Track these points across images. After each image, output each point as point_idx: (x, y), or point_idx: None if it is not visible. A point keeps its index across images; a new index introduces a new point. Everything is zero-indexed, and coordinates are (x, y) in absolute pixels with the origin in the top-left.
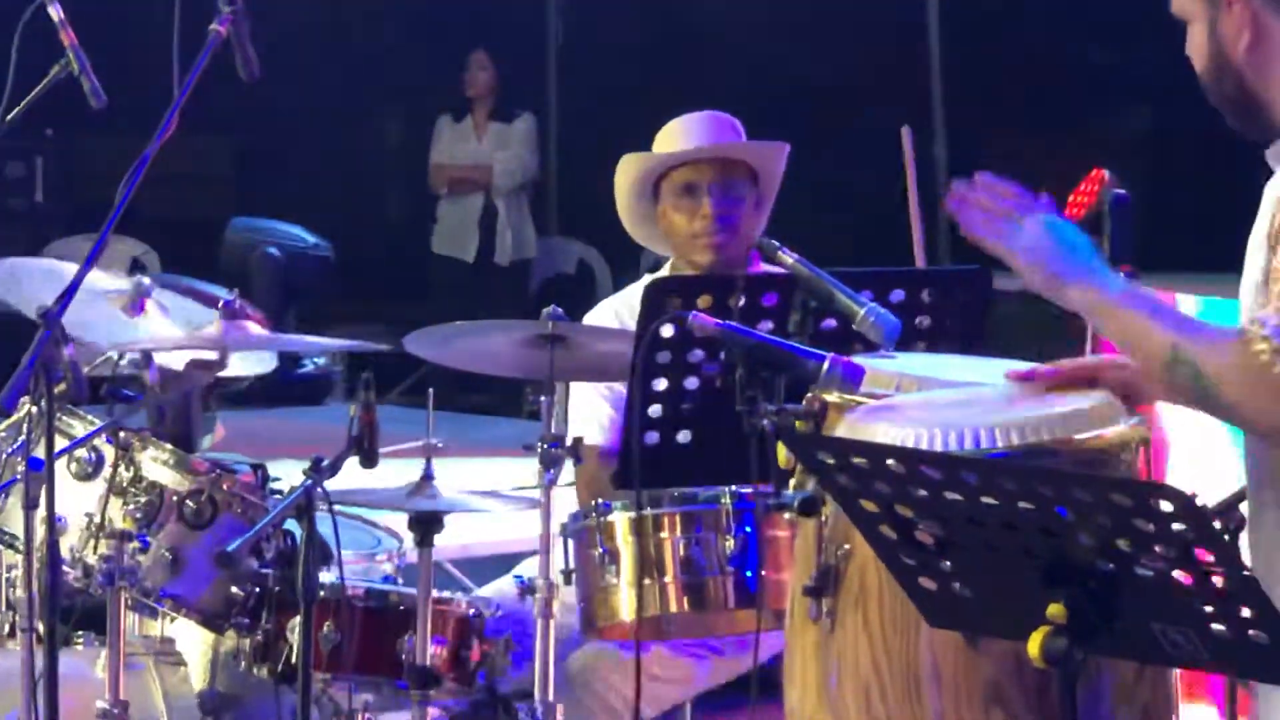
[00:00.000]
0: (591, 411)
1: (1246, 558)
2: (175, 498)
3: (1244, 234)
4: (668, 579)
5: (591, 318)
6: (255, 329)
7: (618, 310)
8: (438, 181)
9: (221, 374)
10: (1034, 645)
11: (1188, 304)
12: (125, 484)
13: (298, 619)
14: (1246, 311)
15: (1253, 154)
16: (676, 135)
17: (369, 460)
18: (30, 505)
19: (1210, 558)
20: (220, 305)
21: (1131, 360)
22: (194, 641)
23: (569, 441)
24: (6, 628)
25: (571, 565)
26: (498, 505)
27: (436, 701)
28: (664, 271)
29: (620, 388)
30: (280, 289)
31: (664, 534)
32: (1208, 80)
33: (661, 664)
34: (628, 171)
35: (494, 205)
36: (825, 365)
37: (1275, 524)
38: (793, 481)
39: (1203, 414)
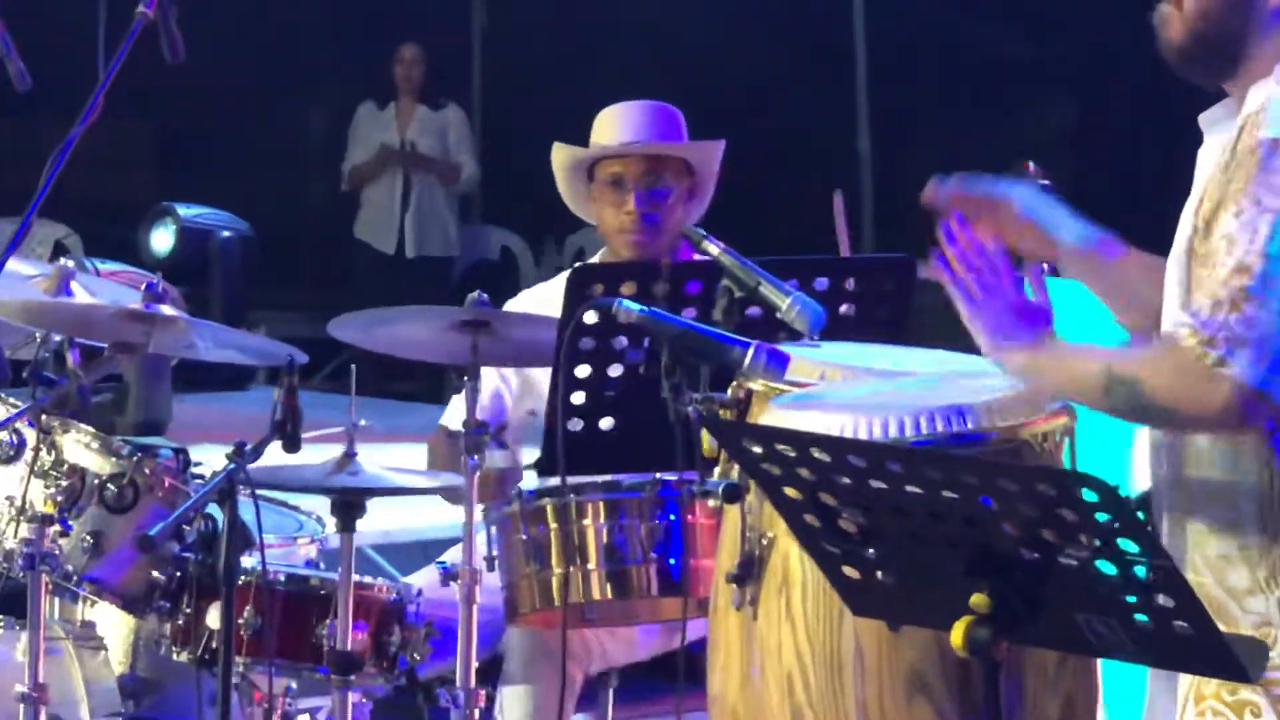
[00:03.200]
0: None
1: None
2: (97, 481)
3: (1168, 226)
4: (591, 566)
5: (510, 309)
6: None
7: (537, 300)
8: (358, 178)
9: None
10: (957, 635)
11: None
12: (46, 467)
13: (219, 603)
14: (1169, 283)
15: (1177, 147)
16: (610, 124)
17: (292, 445)
18: None
19: (1134, 548)
20: (143, 287)
21: (1078, 399)
22: (114, 625)
23: (492, 428)
24: None
25: (494, 552)
26: (420, 481)
27: (357, 687)
28: (595, 260)
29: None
30: (240, 274)
31: (587, 521)
32: (1207, 9)
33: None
34: (559, 158)
35: (414, 190)
36: (750, 353)
37: (1174, 508)
38: (717, 469)
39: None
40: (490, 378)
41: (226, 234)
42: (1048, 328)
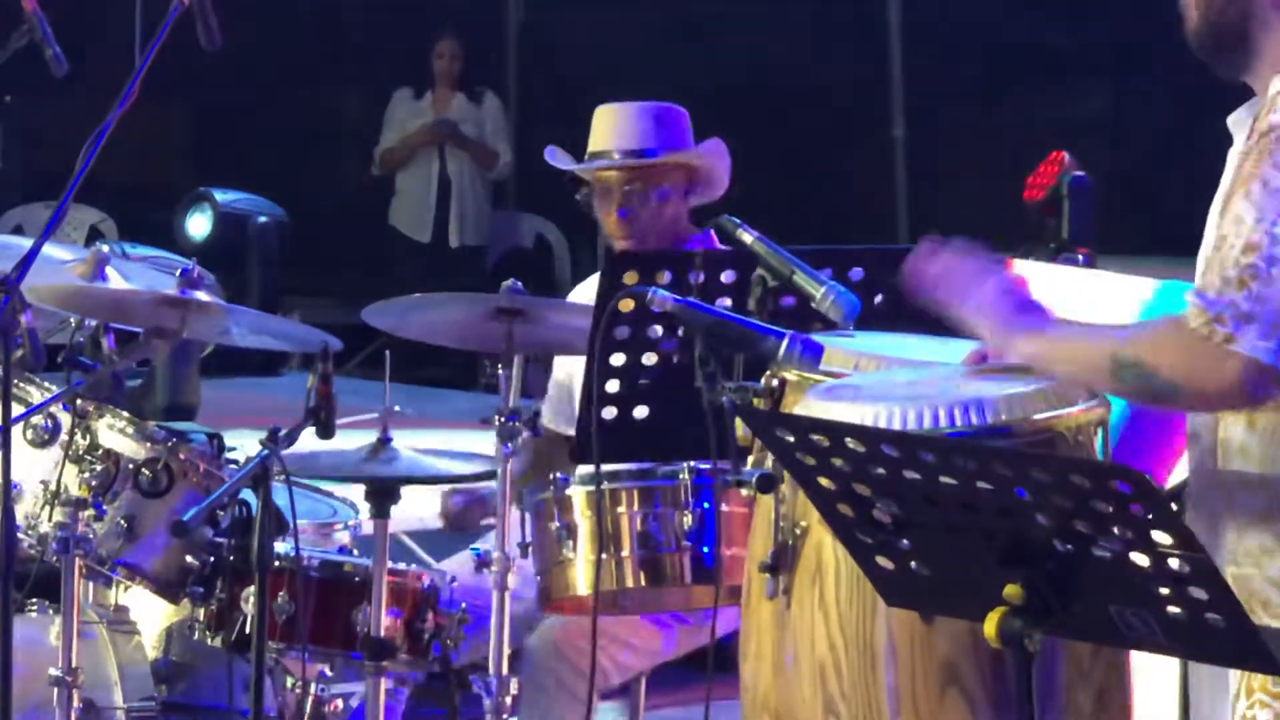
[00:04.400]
0: (560, 406)
1: None
2: (131, 466)
3: (1200, 216)
4: (625, 554)
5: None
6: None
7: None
8: (389, 161)
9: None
10: (990, 625)
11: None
12: (81, 451)
13: (252, 589)
14: (1199, 277)
15: (1209, 137)
16: (600, 128)
17: (326, 431)
18: None
19: (1167, 540)
20: (178, 273)
21: (1086, 383)
22: (148, 610)
23: (526, 415)
24: None
25: (529, 539)
26: (455, 466)
27: (390, 673)
28: None
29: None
30: (276, 260)
31: (621, 509)
32: (1207, 5)
33: (632, 631)
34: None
35: (450, 179)
36: (784, 343)
37: (1211, 498)
38: (751, 458)
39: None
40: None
41: (263, 220)
42: (1048, 315)
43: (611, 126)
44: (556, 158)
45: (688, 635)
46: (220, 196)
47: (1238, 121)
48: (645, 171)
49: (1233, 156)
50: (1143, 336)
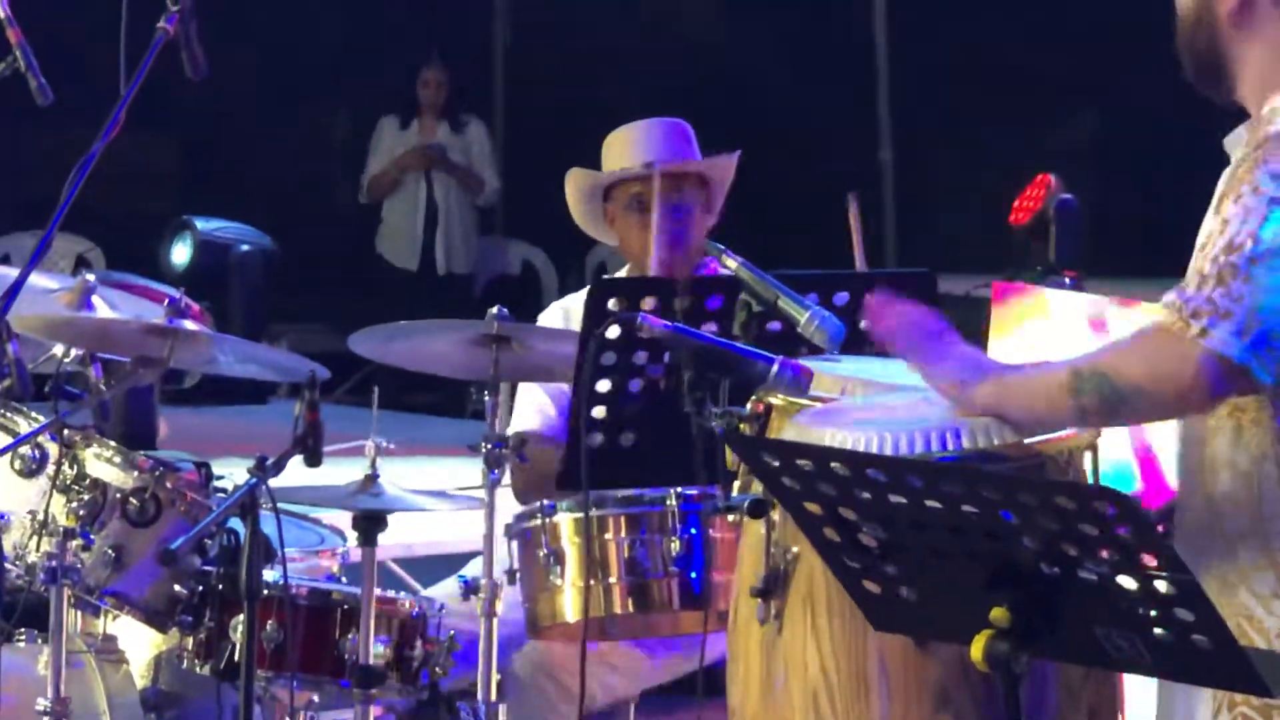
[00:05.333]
0: (529, 402)
1: None
2: (119, 495)
3: (1190, 239)
4: (612, 580)
5: (541, 321)
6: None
7: (567, 309)
8: (378, 188)
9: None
10: (977, 649)
11: None
12: (69, 481)
13: (241, 617)
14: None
15: (1198, 158)
16: (625, 145)
17: (313, 459)
18: None
19: (1153, 562)
20: (165, 303)
21: (1042, 416)
22: (137, 639)
23: (512, 441)
24: None
25: (516, 565)
26: (442, 504)
27: (379, 700)
28: (620, 274)
29: (562, 385)
30: (260, 288)
31: (609, 535)
32: (1184, 30)
33: (617, 654)
34: (575, 184)
35: (437, 206)
36: (774, 368)
37: (1199, 516)
38: (736, 483)
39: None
40: (534, 393)
41: (245, 248)
42: (996, 363)
43: (640, 142)
44: (582, 178)
45: (676, 660)
46: (201, 225)
47: (1234, 141)
48: (682, 180)
49: (1227, 174)
50: (1105, 347)
